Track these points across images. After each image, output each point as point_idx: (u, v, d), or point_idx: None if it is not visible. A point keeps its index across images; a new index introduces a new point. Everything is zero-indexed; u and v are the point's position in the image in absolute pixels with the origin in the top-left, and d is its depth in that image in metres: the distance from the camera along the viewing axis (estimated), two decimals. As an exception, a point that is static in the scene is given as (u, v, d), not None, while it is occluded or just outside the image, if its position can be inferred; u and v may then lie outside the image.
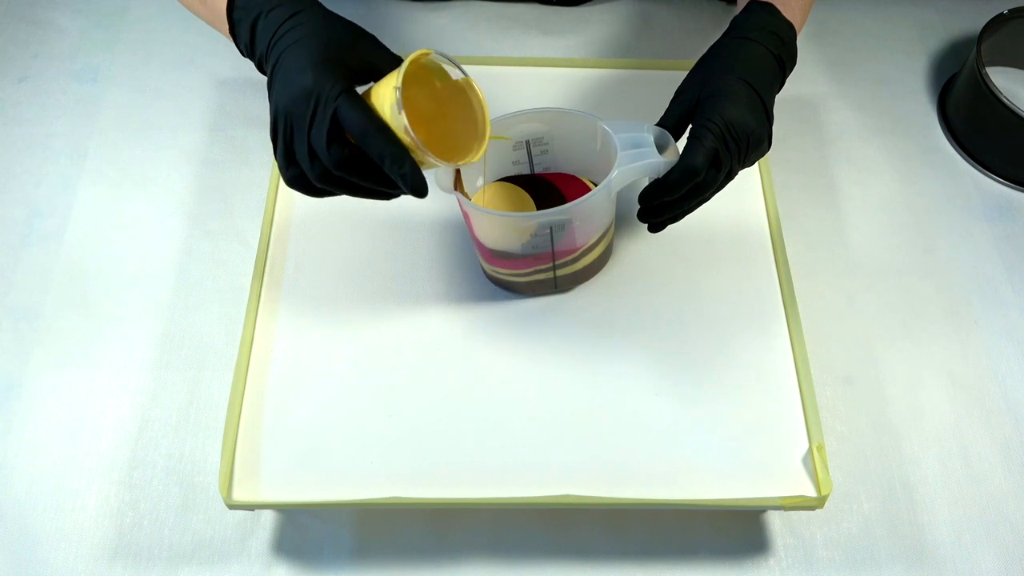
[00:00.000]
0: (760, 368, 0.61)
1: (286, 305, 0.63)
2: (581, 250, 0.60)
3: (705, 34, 0.87)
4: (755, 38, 0.56)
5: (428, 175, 0.52)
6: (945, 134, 0.83)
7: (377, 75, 0.51)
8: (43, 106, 0.82)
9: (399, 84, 0.47)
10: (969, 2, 0.92)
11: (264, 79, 0.52)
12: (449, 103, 0.53)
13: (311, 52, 0.49)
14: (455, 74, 0.52)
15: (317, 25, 0.50)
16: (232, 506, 0.55)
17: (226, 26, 0.54)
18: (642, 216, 0.57)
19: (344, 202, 0.67)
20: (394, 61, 0.51)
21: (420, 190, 0.49)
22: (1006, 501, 0.64)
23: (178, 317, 0.69)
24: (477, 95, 0.52)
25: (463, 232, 0.67)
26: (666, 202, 0.55)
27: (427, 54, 0.49)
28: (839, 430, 0.66)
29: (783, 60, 0.56)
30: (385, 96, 0.48)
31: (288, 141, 0.50)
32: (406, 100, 0.48)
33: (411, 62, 0.48)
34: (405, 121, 0.48)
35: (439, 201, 0.66)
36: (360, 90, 0.51)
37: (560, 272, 0.61)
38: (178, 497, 0.62)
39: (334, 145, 0.48)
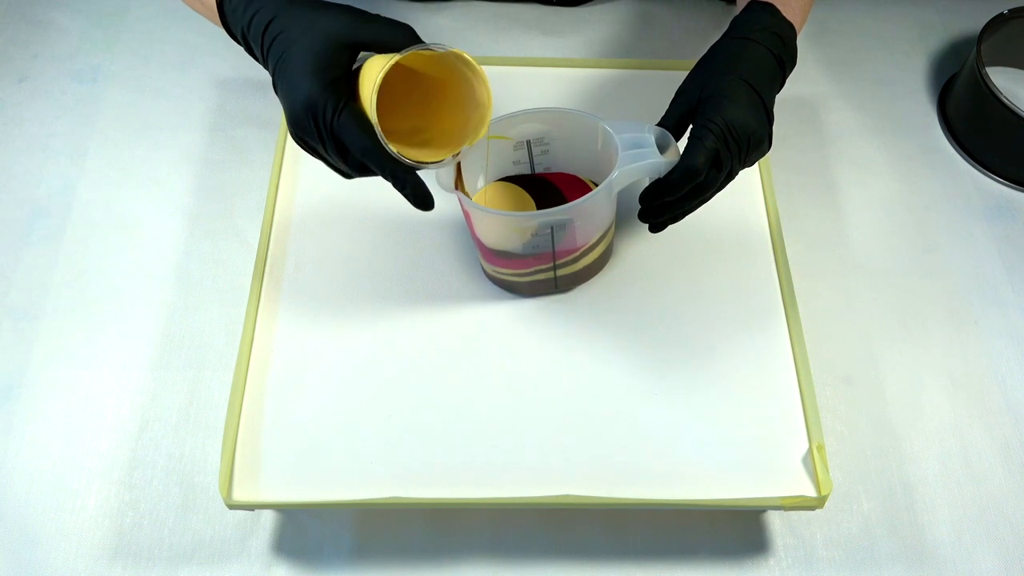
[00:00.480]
0: (760, 368, 0.61)
1: (286, 305, 0.63)
2: (582, 250, 0.60)
3: (705, 34, 0.88)
4: (755, 38, 0.56)
5: (429, 176, 0.53)
6: (945, 134, 0.83)
7: (372, 47, 0.50)
8: (43, 106, 0.82)
9: (375, 120, 0.47)
10: (969, 2, 0.92)
11: (267, 77, 0.53)
12: (447, 80, 0.52)
13: (300, 65, 0.49)
14: (441, 49, 0.50)
15: (296, 29, 0.50)
16: (232, 506, 0.55)
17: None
18: (643, 216, 0.57)
19: (344, 202, 0.68)
20: (380, 32, 0.50)
21: (424, 207, 0.52)
22: (1006, 501, 0.64)
23: (178, 317, 0.69)
24: (470, 64, 0.50)
25: (463, 232, 0.67)
26: (667, 202, 0.55)
27: (394, 61, 0.48)
28: (839, 430, 0.66)
29: (783, 60, 0.56)
30: (370, 113, 0.48)
31: (315, 151, 0.52)
32: (392, 107, 0.48)
33: (381, 82, 0.47)
34: (393, 150, 0.48)
35: (440, 201, 0.66)
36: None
37: (560, 272, 0.61)
38: (178, 497, 0.62)
39: (350, 156, 0.50)
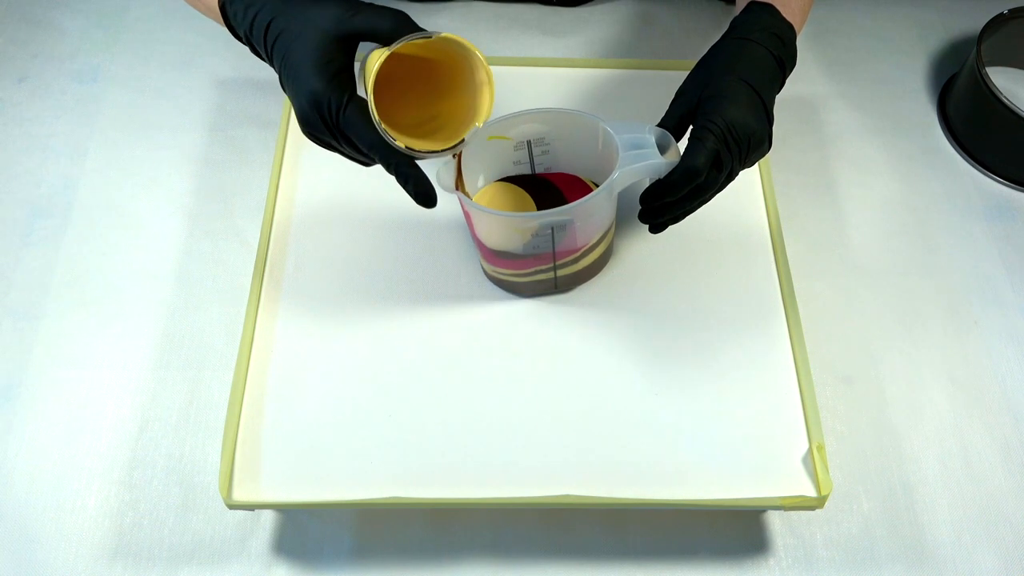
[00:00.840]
0: (760, 368, 0.61)
1: (286, 305, 0.63)
2: (582, 250, 0.60)
3: (705, 34, 0.88)
4: (755, 39, 0.56)
5: (430, 174, 0.53)
6: (945, 134, 0.83)
7: (366, 36, 0.50)
8: (43, 106, 0.82)
9: (375, 115, 0.47)
10: (969, 2, 0.92)
11: (267, 77, 0.53)
12: (448, 65, 0.52)
13: (301, 63, 0.49)
14: (431, 36, 0.49)
15: (294, 28, 0.50)
16: (232, 506, 0.55)
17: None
18: (643, 217, 0.57)
19: (344, 202, 0.68)
20: (372, 20, 0.49)
21: (426, 204, 0.52)
22: (1006, 501, 0.64)
23: (178, 317, 0.69)
24: (463, 46, 0.49)
25: (463, 232, 0.67)
26: (667, 203, 0.55)
27: (384, 53, 0.47)
28: (839, 430, 0.66)
29: (783, 61, 0.56)
30: (370, 107, 0.48)
31: (330, 146, 0.52)
32: (400, 99, 0.48)
33: (377, 75, 0.47)
34: (400, 145, 0.48)
35: (440, 201, 0.66)
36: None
37: (561, 272, 0.61)
38: (178, 497, 0.62)
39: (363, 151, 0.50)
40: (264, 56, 0.52)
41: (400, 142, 0.49)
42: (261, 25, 0.51)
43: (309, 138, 0.52)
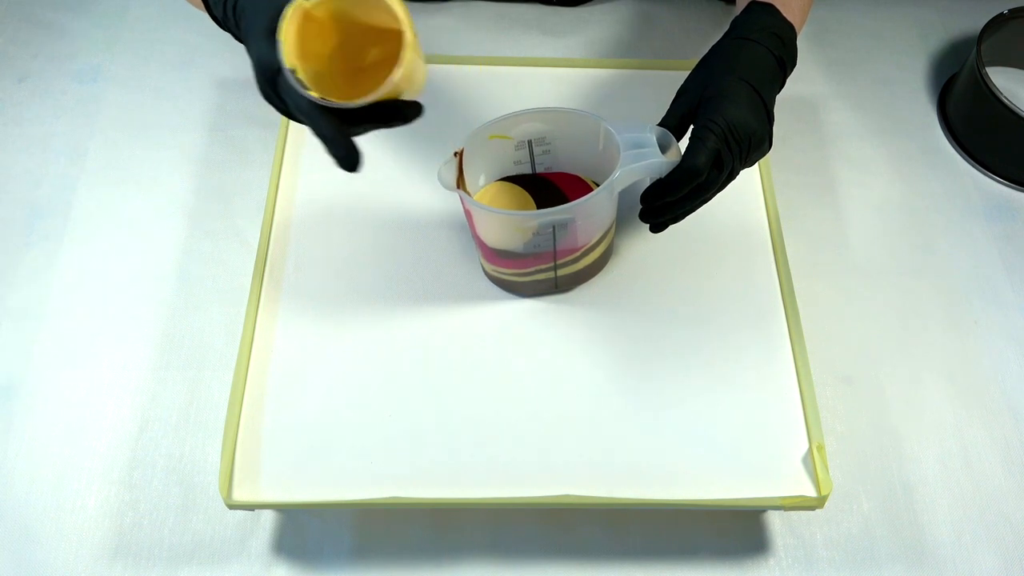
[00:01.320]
0: (760, 368, 0.61)
1: (286, 305, 0.63)
2: (582, 249, 0.60)
3: (705, 34, 0.88)
4: (756, 39, 0.56)
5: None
6: (945, 134, 0.83)
7: None
8: (43, 106, 0.82)
9: (287, 64, 0.46)
10: (969, 2, 0.92)
11: None
12: (384, 24, 0.50)
13: (251, 31, 0.48)
14: None
15: (255, 3, 0.49)
16: (232, 506, 0.55)
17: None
18: (644, 216, 0.57)
19: (344, 202, 0.68)
20: None
21: (348, 167, 0.49)
22: (1006, 501, 0.64)
23: (178, 317, 0.69)
24: None
25: (463, 232, 0.67)
26: (668, 202, 0.55)
27: (298, 8, 0.46)
28: (839, 430, 0.66)
29: (783, 61, 0.56)
30: (282, 54, 0.46)
31: (292, 117, 0.50)
32: (313, 51, 0.47)
33: (286, 31, 0.46)
34: (309, 93, 0.46)
35: (440, 201, 0.66)
36: None
37: (561, 272, 0.61)
38: (178, 497, 0.62)
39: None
40: (236, 35, 0.52)
41: (315, 93, 0.46)
42: (230, 5, 0.51)
43: (274, 107, 0.50)
